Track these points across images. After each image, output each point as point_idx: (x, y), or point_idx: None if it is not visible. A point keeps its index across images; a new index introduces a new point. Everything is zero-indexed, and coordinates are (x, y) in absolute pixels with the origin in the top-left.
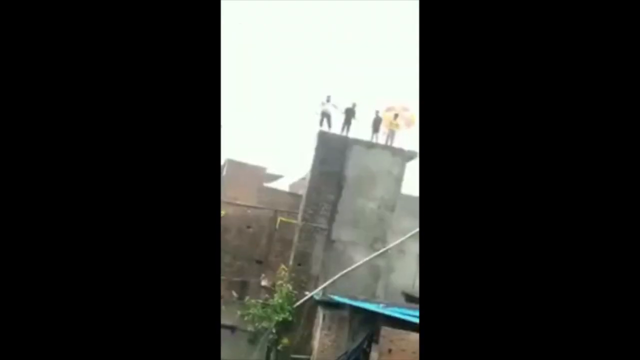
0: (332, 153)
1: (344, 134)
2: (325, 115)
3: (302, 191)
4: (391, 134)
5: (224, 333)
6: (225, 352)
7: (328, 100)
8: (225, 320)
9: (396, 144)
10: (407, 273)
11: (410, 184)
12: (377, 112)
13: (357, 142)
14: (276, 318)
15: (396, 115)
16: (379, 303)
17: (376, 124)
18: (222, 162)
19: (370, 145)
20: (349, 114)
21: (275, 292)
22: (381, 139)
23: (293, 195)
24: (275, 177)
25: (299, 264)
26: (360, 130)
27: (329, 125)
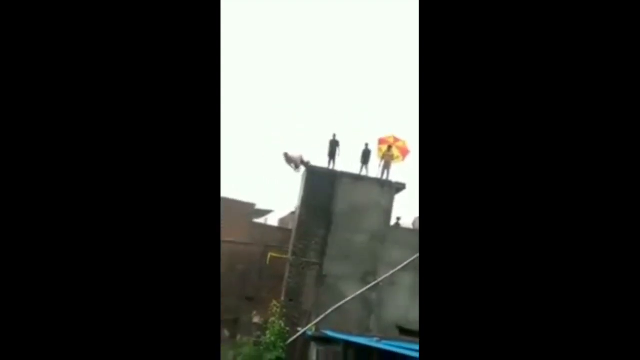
0: (320, 186)
1: (330, 167)
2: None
3: (292, 225)
4: (387, 166)
5: None
6: None
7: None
8: None
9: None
10: (399, 305)
11: (400, 215)
12: (366, 144)
13: (344, 175)
14: (269, 357)
15: (390, 147)
16: (372, 337)
17: (365, 156)
18: None
19: (358, 178)
20: (333, 146)
21: (267, 328)
22: (375, 171)
23: (283, 230)
24: (264, 213)
25: (291, 300)
26: (350, 163)
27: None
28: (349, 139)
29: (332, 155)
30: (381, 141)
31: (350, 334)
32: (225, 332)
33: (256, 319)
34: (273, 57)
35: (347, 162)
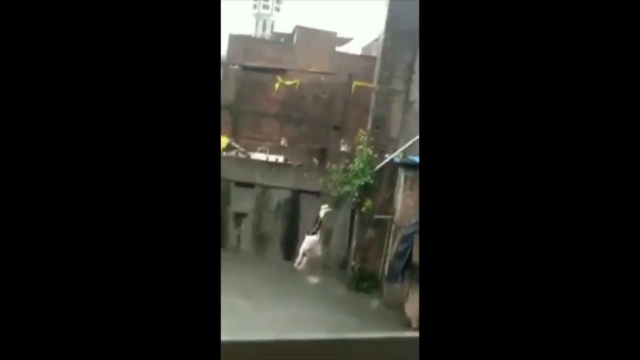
0: (405, 10)
1: None
2: None
3: (375, 53)
4: None
5: (310, 198)
6: (312, 215)
7: None
8: (309, 186)
9: None
10: None
11: None
12: None
13: None
14: (358, 182)
15: None
16: None
17: None
18: (292, 29)
19: None
20: None
21: (355, 156)
22: None
23: (366, 57)
24: (345, 41)
25: (377, 127)
26: None
27: None
28: None
29: None
30: None
31: None
32: (314, 161)
33: (343, 148)
34: None
35: None
